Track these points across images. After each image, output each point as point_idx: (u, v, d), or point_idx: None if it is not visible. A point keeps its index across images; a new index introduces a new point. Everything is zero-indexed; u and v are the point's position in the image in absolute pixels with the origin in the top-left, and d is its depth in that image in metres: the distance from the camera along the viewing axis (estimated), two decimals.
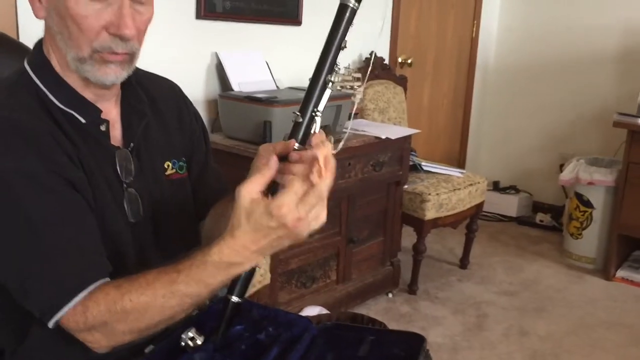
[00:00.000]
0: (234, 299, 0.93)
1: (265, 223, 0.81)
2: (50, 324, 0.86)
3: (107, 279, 0.89)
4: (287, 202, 0.80)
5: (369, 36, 2.75)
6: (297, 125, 0.91)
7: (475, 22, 4.04)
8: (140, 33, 0.96)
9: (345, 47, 0.91)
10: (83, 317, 0.85)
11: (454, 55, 3.98)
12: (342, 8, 0.89)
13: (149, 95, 1.09)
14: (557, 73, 3.98)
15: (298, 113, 0.91)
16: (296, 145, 0.91)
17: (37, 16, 0.94)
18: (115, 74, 0.95)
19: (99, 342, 0.88)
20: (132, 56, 0.96)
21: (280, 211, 0.79)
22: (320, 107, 0.91)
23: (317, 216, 0.82)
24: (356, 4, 0.88)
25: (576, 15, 3.85)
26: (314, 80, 0.91)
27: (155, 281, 0.85)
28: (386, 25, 3.36)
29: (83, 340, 0.88)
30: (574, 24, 3.86)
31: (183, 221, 1.12)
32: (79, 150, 0.93)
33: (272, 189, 0.92)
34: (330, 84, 0.91)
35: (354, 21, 0.91)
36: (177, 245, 1.10)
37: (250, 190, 0.82)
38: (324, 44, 0.91)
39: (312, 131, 0.92)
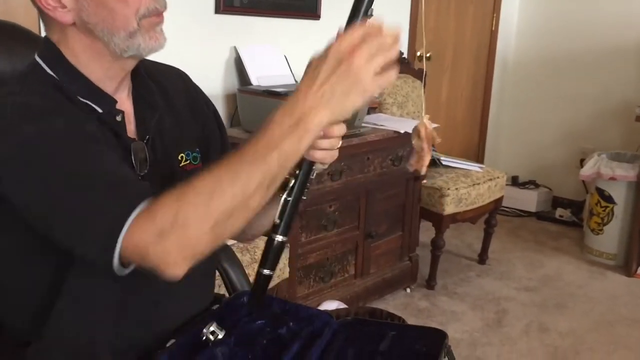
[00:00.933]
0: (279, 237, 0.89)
1: (322, 61, 0.81)
2: (115, 254, 0.78)
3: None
4: (345, 37, 0.81)
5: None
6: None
7: (495, 14, 4.00)
8: None
9: None
10: (151, 222, 0.77)
11: (473, 48, 3.94)
12: None
13: (160, 86, 1.08)
14: (578, 66, 3.93)
15: None
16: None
17: (64, 22, 0.91)
18: (164, 37, 0.96)
19: (169, 252, 0.77)
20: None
21: (336, 43, 0.81)
22: None
23: (383, 71, 0.79)
24: None
25: (598, 7, 3.79)
26: None
27: (219, 167, 0.80)
28: (405, 19, 3.34)
29: (153, 257, 0.77)
30: (595, 16, 3.80)
31: None
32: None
33: None
34: None
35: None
36: None
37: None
38: None
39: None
